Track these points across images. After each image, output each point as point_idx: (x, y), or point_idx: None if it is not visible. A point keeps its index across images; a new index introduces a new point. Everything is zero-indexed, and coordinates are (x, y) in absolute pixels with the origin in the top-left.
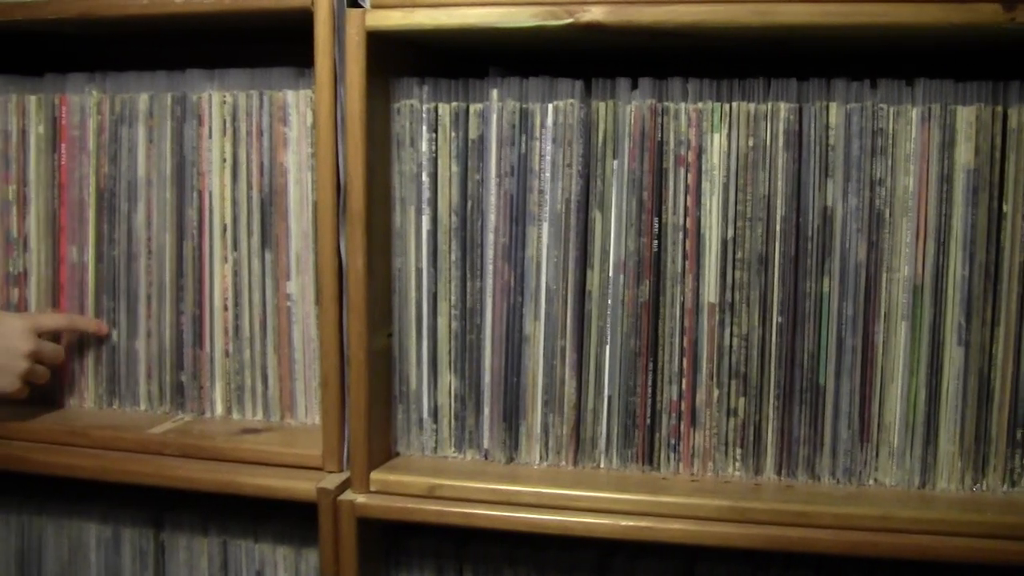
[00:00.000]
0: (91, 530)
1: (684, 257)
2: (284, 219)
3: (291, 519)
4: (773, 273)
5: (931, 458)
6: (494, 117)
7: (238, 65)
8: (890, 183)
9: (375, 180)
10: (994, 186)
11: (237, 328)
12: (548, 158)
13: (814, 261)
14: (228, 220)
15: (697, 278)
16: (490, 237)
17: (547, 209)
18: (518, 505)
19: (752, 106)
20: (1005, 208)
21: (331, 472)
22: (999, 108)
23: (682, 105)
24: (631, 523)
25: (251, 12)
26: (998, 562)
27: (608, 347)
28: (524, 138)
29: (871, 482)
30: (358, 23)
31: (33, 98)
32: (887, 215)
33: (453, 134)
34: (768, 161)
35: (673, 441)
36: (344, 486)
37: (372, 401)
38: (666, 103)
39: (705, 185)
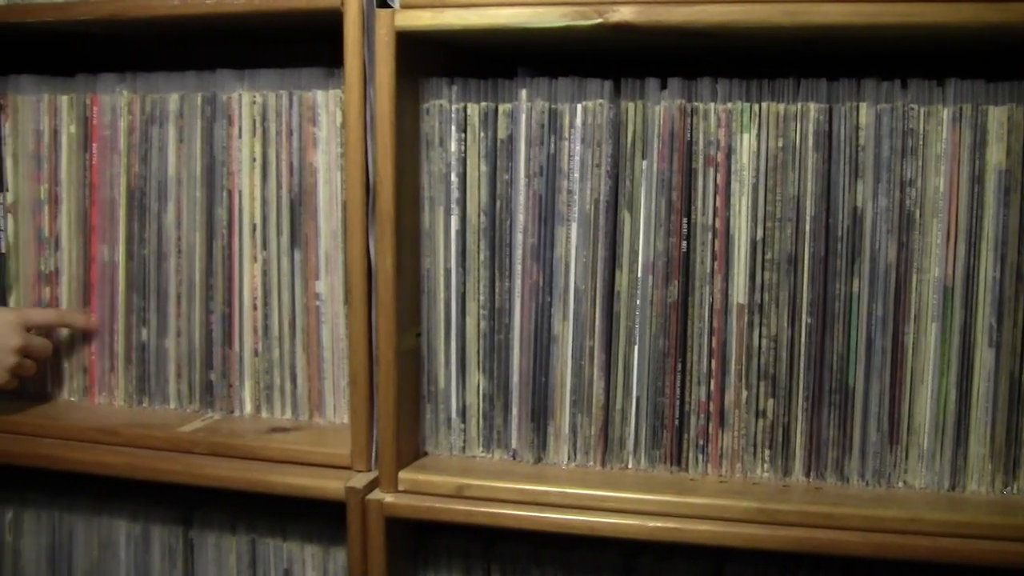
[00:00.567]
0: (121, 527)
1: (713, 258)
2: (313, 219)
3: (319, 518)
4: (802, 274)
5: (961, 460)
6: (523, 117)
7: (268, 65)
8: (920, 184)
9: (404, 180)
10: None
11: (266, 327)
12: (577, 158)
13: (844, 262)
14: (257, 219)
15: (726, 279)
16: (519, 237)
17: (576, 209)
18: (546, 505)
19: (782, 106)
20: None
21: (359, 471)
22: None
23: (711, 105)
24: (658, 524)
25: (281, 12)
26: None
27: (636, 348)
28: (553, 138)
29: (900, 484)
30: (387, 23)
31: (65, 98)
32: (917, 216)
33: (482, 134)
34: (798, 162)
35: (701, 442)
36: (372, 485)
37: (400, 400)
38: (695, 103)
39: (734, 185)
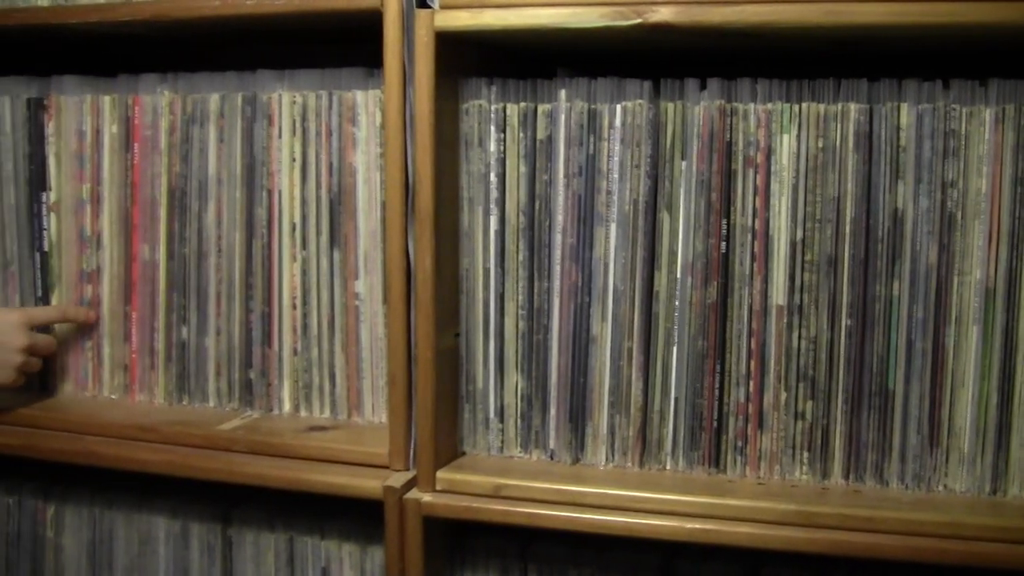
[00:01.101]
0: (160, 524)
1: (752, 259)
2: (352, 218)
3: (357, 517)
4: (842, 275)
5: (1002, 464)
6: (562, 118)
7: (308, 66)
8: (962, 185)
9: (443, 180)
10: None
11: (305, 326)
12: (616, 159)
13: (884, 263)
14: (297, 219)
15: (765, 280)
16: (558, 238)
17: (615, 210)
18: (583, 506)
19: (822, 107)
20: None
21: (397, 470)
22: None
23: (751, 106)
24: (696, 525)
25: (321, 13)
26: None
27: (675, 348)
28: (592, 139)
29: (940, 488)
30: (427, 24)
31: (107, 98)
32: (959, 217)
33: (521, 134)
34: (838, 162)
35: (740, 444)
36: (410, 485)
37: (439, 400)
38: (735, 104)
39: (774, 186)
